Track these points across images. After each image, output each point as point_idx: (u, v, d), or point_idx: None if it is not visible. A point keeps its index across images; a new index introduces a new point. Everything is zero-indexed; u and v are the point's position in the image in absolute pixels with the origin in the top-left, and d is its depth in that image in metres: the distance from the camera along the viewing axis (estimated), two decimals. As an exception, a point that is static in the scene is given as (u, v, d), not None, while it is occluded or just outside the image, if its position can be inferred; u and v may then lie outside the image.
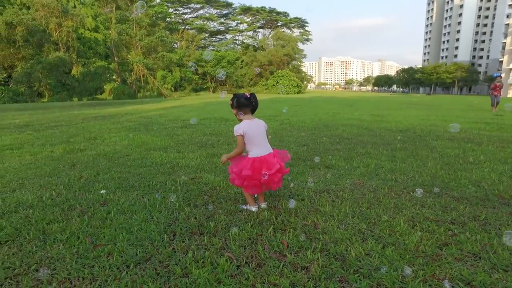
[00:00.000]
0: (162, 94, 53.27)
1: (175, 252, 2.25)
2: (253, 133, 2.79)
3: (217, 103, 24.05)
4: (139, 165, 4.72)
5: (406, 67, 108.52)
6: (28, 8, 40.67)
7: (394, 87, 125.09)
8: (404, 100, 32.34)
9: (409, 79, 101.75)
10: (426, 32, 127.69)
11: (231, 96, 2.91)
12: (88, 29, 48.88)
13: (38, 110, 18.85)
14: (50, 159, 5.22)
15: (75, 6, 46.38)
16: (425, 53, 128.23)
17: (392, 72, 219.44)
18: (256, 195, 3.03)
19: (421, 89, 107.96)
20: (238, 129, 2.78)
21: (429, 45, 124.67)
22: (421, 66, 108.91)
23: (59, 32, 41.70)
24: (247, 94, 2.88)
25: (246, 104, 2.84)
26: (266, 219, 2.78)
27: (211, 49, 78.94)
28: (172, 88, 58.87)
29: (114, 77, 52.49)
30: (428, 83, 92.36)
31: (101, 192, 3.46)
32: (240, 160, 2.84)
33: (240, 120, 2.89)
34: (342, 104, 22.91)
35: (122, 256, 2.18)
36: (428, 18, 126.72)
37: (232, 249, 2.28)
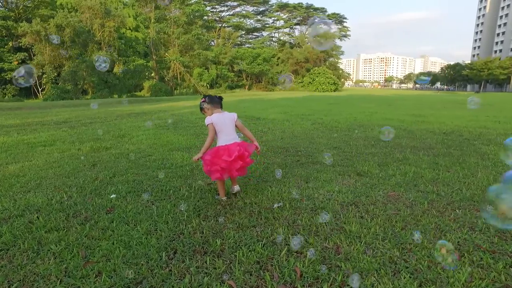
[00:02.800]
0: (198, 91, 54.18)
1: (171, 275, 1.97)
2: (222, 123, 3.17)
3: (252, 100, 23.83)
4: (158, 167, 4.55)
5: (452, 63, 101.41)
6: (76, 10, 43.09)
7: (438, 84, 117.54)
8: (449, 99, 30.17)
9: (455, 76, 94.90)
10: (478, 25, 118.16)
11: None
12: (129, 29, 50.83)
13: (80, 106, 19.75)
14: (74, 158, 5.22)
15: (117, 8, 48.35)
16: (474, 48, 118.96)
17: (436, 69, 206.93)
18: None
19: (468, 86, 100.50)
20: (209, 119, 3.16)
21: (480, 39, 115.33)
22: (469, 61, 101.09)
23: (102, 32, 43.76)
24: (218, 95, 3.38)
25: (217, 101, 3.31)
26: (281, 238, 2.43)
27: (247, 46, 78.80)
28: (208, 86, 59.65)
29: (152, 74, 54.20)
30: (477, 80, 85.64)
31: (111, 196, 3.30)
32: (208, 151, 3.13)
33: (210, 115, 3.24)
34: (380, 102, 21.74)
35: (111, 277, 1.94)
36: (480, 9, 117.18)
37: (235, 275, 1.96)
